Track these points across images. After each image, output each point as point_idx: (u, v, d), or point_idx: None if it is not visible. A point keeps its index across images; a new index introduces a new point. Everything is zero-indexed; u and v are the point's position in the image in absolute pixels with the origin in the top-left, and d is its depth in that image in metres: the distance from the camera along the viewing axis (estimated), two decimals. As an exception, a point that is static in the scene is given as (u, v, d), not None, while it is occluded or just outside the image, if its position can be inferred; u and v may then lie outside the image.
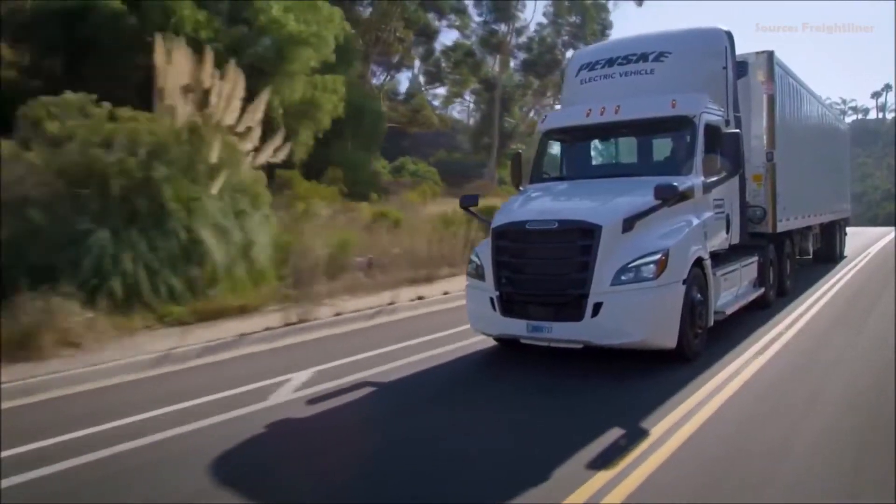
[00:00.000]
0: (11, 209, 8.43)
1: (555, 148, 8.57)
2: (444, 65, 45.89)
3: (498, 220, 6.98)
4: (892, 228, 31.12)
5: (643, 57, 7.99)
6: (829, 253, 15.61)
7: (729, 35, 8.25)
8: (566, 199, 7.41)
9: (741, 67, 9.43)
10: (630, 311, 6.19)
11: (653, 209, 6.39)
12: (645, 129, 7.83)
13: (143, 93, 12.95)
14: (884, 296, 10.53)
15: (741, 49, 8.60)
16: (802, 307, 9.63)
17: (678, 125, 7.45)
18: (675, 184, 6.43)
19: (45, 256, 8.32)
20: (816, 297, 10.52)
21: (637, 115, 7.54)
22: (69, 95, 10.04)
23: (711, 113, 7.61)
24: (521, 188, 8.29)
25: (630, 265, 6.22)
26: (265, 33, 19.53)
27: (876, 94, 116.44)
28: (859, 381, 5.99)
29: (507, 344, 7.41)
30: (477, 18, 43.86)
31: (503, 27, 43.89)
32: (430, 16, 42.47)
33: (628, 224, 6.34)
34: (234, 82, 10.68)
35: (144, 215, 9.08)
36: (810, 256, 14.68)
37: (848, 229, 17.82)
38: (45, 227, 8.51)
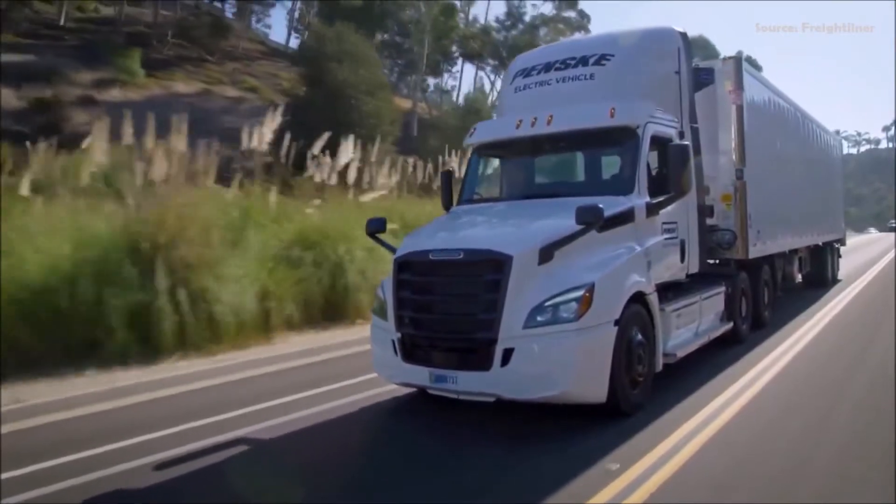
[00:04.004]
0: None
1: (489, 165, 7.57)
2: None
3: (401, 249, 5.94)
4: None
5: (583, 60, 7.00)
6: (820, 277, 14.47)
7: (683, 36, 7.27)
8: (482, 225, 6.35)
9: (707, 74, 8.50)
10: (546, 360, 5.11)
11: (574, 235, 5.33)
12: (582, 142, 6.80)
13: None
14: (881, 331, 9.35)
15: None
16: (784, 346, 8.39)
17: (619, 137, 6.42)
18: (601, 205, 5.38)
19: None
20: (802, 333, 9.28)
21: (571, 125, 6.52)
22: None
23: (659, 123, 6.59)
24: (449, 211, 7.29)
25: (546, 303, 5.14)
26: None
27: (886, 128, 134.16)
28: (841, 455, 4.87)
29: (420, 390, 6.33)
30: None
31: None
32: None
33: (546, 254, 5.27)
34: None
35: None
36: (799, 281, 13.58)
37: (867, 236, 16.82)
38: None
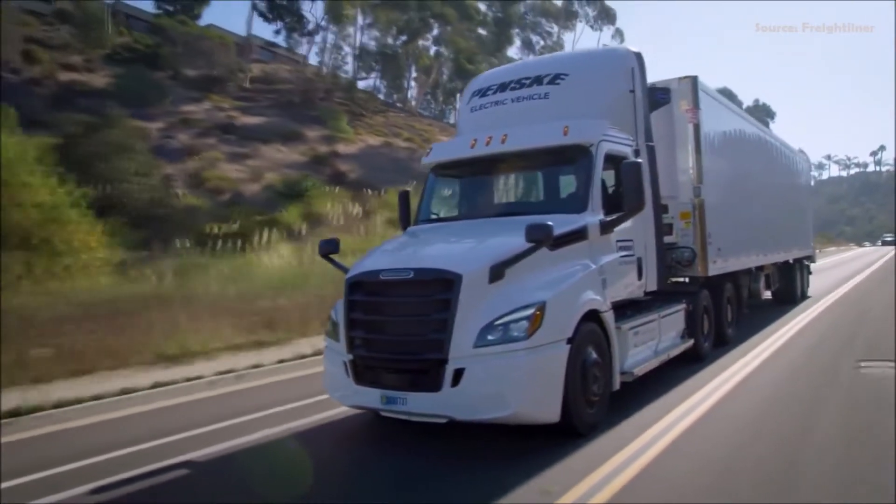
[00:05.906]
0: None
1: (446, 184, 7.54)
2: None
3: (352, 270, 5.88)
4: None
5: (537, 80, 7.06)
6: (788, 294, 14.61)
7: (638, 56, 7.36)
8: (434, 244, 6.30)
9: (663, 94, 8.60)
10: (497, 379, 5.04)
11: (524, 253, 5.31)
12: (537, 161, 6.82)
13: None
14: (838, 344, 9.44)
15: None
16: (741, 361, 8.42)
17: (573, 155, 6.45)
18: (551, 223, 5.36)
19: None
20: (762, 349, 9.32)
21: (526, 144, 6.54)
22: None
23: (613, 141, 6.63)
24: (405, 231, 7.24)
25: (497, 322, 5.09)
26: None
27: (873, 153, 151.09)
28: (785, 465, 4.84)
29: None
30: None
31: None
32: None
33: (496, 272, 5.24)
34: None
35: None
36: (768, 297, 13.71)
37: (873, 247, 17.12)
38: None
